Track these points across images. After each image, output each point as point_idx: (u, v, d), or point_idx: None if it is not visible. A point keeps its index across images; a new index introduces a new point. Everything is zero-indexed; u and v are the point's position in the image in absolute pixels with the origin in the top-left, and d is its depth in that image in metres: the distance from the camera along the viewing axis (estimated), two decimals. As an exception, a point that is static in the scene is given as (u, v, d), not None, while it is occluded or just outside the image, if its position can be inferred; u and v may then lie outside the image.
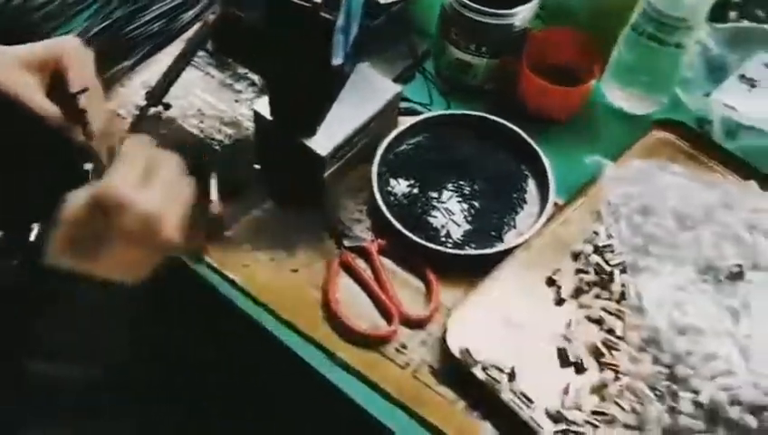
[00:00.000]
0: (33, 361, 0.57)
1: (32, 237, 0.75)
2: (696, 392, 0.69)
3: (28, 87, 0.70)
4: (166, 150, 0.64)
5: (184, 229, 0.61)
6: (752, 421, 0.68)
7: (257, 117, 0.81)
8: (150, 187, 0.60)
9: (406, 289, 0.78)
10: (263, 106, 0.80)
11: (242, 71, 0.93)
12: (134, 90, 0.91)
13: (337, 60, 0.78)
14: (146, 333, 0.81)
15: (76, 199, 0.60)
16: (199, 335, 0.84)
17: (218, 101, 0.90)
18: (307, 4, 0.68)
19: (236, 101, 0.90)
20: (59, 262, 0.59)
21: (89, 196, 0.59)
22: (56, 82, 0.72)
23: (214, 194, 0.80)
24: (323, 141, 0.79)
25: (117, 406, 0.62)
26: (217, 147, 0.86)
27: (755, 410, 0.68)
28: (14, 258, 0.74)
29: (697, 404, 0.69)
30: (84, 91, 0.71)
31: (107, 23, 0.96)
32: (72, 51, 0.72)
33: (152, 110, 0.83)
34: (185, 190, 0.63)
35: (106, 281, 0.59)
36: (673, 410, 0.69)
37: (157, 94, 0.81)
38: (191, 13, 0.97)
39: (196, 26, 0.86)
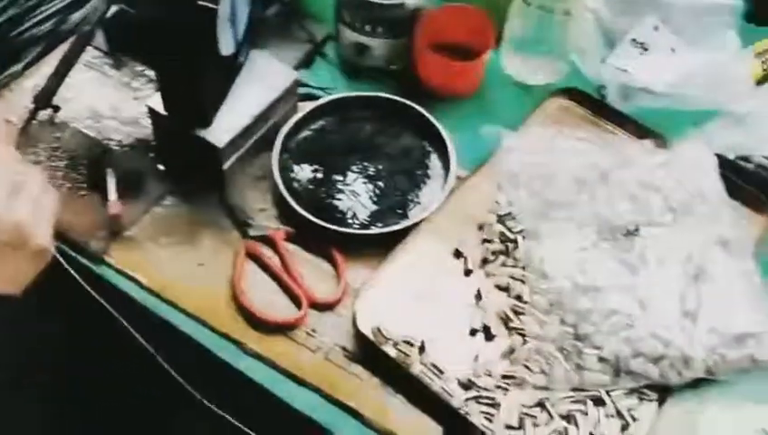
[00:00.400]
0: None
1: None
2: (599, 348, 0.71)
3: None
4: (29, 164, 0.64)
5: (53, 237, 0.62)
6: (653, 370, 0.70)
7: (152, 113, 0.80)
8: (17, 200, 0.59)
9: (315, 274, 0.78)
10: (156, 102, 0.78)
11: (139, 68, 0.91)
12: (25, 94, 0.88)
13: (227, 49, 0.77)
14: (46, 340, 0.80)
15: None
16: (107, 338, 0.82)
17: (116, 101, 0.88)
18: (186, -5, 0.67)
19: (135, 98, 0.89)
20: None
21: None
22: None
23: (112, 194, 0.78)
24: (220, 132, 0.78)
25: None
26: (117, 146, 0.84)
27: (656, 359, 0.70)
28: None
29: (602, 359, 0.71)
30: None
31: (-7, 27, 0.93)
32: None
33: (42, 113, 0.81)
34: (52, 201, 0.63)
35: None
36: (579, 368, 0.71)
37: (44, 97, 0.79)
38: (81, 13, 0.94)
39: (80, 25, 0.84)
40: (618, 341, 0.71)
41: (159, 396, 0.83)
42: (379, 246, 0.78)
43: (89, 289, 0.70)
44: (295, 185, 0.83)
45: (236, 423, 0.70)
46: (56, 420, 0.79)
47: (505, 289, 0.77)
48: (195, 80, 0.75)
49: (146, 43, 0.84)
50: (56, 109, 0.80)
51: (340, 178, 0.84)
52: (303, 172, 0.84)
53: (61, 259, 0.67)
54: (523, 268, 0.77)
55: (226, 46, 0.76)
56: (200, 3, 0.69)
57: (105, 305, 0.68)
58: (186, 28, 0.70)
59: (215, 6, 0.71)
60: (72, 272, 0.71)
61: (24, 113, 0.85)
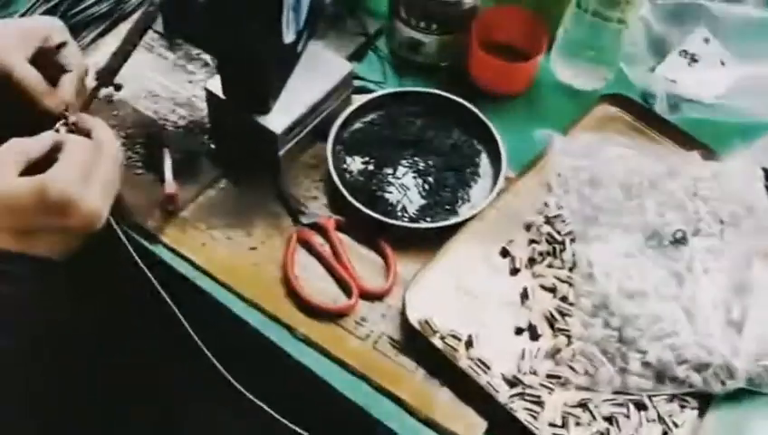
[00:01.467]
0: None
1: None
2: (643, 353, 0.72)
3: (11, 51, 0.71)
4: (108, 142, 0.66)
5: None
6: (697, 378, 0.71)
7: (210, 96, 0.81)
8: (92, 183, 0.62)
9: (364, 263, 0.79)
10: (215, 85, 0.80)
11: (194, 51, 0.93)
12: (83, 72, 0.89)
13: (289, 37, 0.78)
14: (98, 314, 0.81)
15: (21, 188, 0.60)
16: (156, 316, 0.84)
17: (171, 83, 0.89)
18: (256, -20, 0.68)
19: (190, 81, 0.90)
20: None
21: (35, 188, 0.60)
22: (38, 58, 0.73)
23: (168, 174, 0.80)
24: (277, 119, 0.79)
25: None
26: (172, 128, 0.86)
27: (700, 367, 0.71)
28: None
29: (645, 364, 0.72)
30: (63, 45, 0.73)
31: (51, 4, 0.94)
32: (59, 30, 0.75)
33: (103, 91, 0.82)
34: (117, 184, 0.66)
35: (39, 257, 0.61)
36: (623, 371, 0.72)
37: (106, 75, 0.80)
38: (141, -7, 0.96)
39: (144, 6, 0.85)
40: (662, 347, 0.72)
41: (193, 378, 0.85)
42: (427, 240, 0.79)
43: (141, 265, 0.71)
44: (347, 175, 0.84)
45: (269, 410, 0.71)
46: (80, 396, 0.80)
47: (551, 290, 0.78)
48: (257, 67, 0.76)
49: (208, 28, 0.86)
50: (118, 87, 0.82)
51: (391, 171, 0.85)
52: (355, 163, 0.85)
53: (117, 229, 0.68)
54: (570, 270, 0.78)
55: (289, 34, 0.77)
56: (270, -9, 0.70)
57: (154, 283, 0.70)
58: (252, 15, 0.72)
59: (281, -6, 0.72)
60: (129, 247, 0.72)
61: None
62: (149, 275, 0.72)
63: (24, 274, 0.60)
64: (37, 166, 0.62)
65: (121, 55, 0.80)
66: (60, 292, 0.63)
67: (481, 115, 0.87)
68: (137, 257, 0.72)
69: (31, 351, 0.61)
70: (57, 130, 0.68)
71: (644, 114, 0.93)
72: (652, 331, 0.72)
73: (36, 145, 0.64)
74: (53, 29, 0.75)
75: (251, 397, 0.68)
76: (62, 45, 0.74)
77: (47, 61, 0.74)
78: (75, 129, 0.68)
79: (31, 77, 0.71)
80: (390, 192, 0.83)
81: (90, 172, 0.62)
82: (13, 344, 0.59)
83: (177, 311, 0.70)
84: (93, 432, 0.84)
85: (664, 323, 0.72)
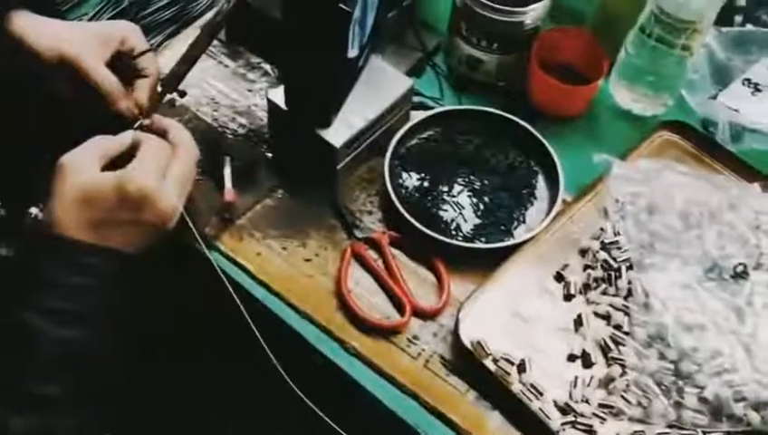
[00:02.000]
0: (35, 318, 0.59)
1: (28, 220, 0.76)
2: (700, 388, 0.71)
3: (91, 55, 0.73)
4: (184, 142, 0.69)
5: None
6: (755, 417, 0.69)
7: (272, 106, 0.82)
8: (167, 181, 0.65)
9: (416, 280, 0.79)
10: (277, 96, 0.80)
11: (255, 60, 0.93)
12: (146, 76, 0.90)
13: (353, 52, 0.78)
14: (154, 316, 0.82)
15: (103, 182, 0.63)
16: (208, 321, 0.85)
17: (232, 91, 0.90)
18: (327, -4, 0.68)
19: (249, 90, 0.91)
20: (70, 233, 0.62)
21: (116, 182, 0.63)
22: (114, 60, 0.75)
23: (228, 182, 0.80)
24: (338, 133, 0.80)
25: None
26: (231, 136, 0.86)
27: (759, 406, 0.70)
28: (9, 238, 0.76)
29: (702, 399, 0.70)
30: (144, 54, 0.76)
31: (119, 9, 0.96)
32: (136, 34, 0.77)
33: (166, 97, 0.83)
34: (191, 183, 0.69)
35: (112, 250, 0.63)
36: (678, 405, 0.71)
37: (172, 81, 0.81)
38: (205, 0, 0.97)
39: (211, 14, 0.86)
40: (720, 383, 0.70)
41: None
42: (481, 260, 0.79)
43: (217, 268, 0.72)
44: (402, 191, 0.84)
45: (330, 422, 0.71)
46: (144, 391, 0.81)
47: (605, 317, 0.77)
48: (321, 80, 0.76)
49: (271, 39, 0.87)
50: (182, 94, 0.82)
51: (446, 189, 0.85)
52: (411, 180, 0.85)
53: (194, 231, 0.70)
54: (625, 298, 0.77)
55: (353, 49, 0.78)
56: (340, 5, 0.71)
57: (227, 286, 0.70)
58: (321, 30, 0.72)
59: (350, 10, 0.72)
60: (207, 253, 0.73)
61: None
62: (220, 273, 0.73)
63: (101, 266, 0.62)
64: (115, 163, 0.65)
65: (187, 62, 0.81)
66: (134, 286, 0.65)
67: (539, 136, 0.87)
68: (211, 258, 0.73)
69: (102, 343, 0.62)
70: (135, 130, 0.70)
71: (704, 143, 0.91)
72: (710, 366, 0.71)
73: (117, 142, 0.67)
74: (132, 34, 0.77)
75: (311, 405, 0.68)
76: (142, 53, 0.76)
77: (123, 64, 0.76)
78: (150, 130, 0.69)
79: (108, 80, 0.74)
80: (445, 210, 0.83)
81: (166, 170, 0.65)
82: (86, 335, 0.61)
83: (247, 317, 0.70)
84: (155, 427, 0.85)
85: (723, 359, 0.71)
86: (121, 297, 0.64)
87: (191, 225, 0.68)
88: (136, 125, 0.71)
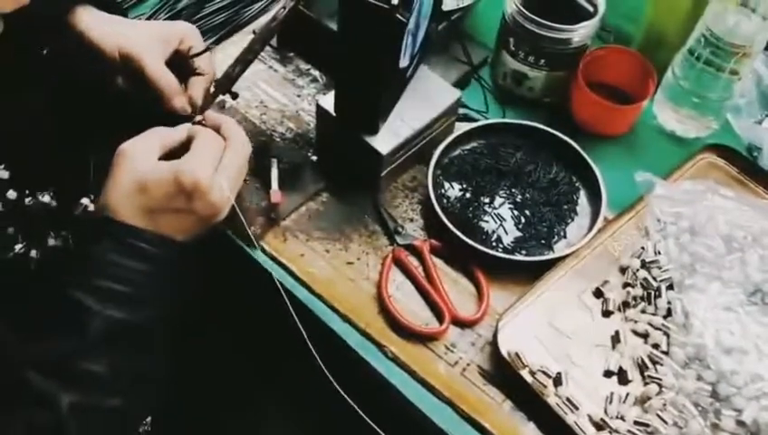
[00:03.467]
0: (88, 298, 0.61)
1: (78, 211, 0.78)
2: (738, 411, 0.70)
3: (152, 53, 0.76)
4: (237, 137, 0.70)
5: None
6: (793, 443, 0.69)
7: (321, 112, 0.83)
8: (220, 174, 0.67)
9: (456, 289, 0.79)
10: (327, 102, 0.82)
11: (304, 66, 0.95)
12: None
13: (404, 62, 0.80)
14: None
15: (161, 171, 0.65)
16: (249, 320, 0.86)
17: (281, 95, 0.92)
18: (384, 6, 0.70)
19: (298, 95, 0.93)
20: (124, 218, 0.64)
21: (172, 172, 0.65)
22: (174, 60, 0.78)
23: (275, 183, 0.82)
24: (384, 140, 0.81)
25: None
26: (278, 139, 0.88)
27: (797, 432, 0.69)
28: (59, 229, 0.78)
29: (740, 423, 0.70)
30: (200, 54, 0.79)
31: (173, 12, 0.98)
32: (194, 35, 0.80)
33: (218, 98, 0.85)
34: (242, 178, 0.71)
35: (165, 237, 0.65)
36: (715, 427, 0.70)
37: (225, 83, 0.83)
38: (257, 5, 0.99)
39: (266, 19, 0.88)
40: (759, 407, 0.70)
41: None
42: (521, 273, 0.80)
43: (274, 277, 0.74)
44: (444, 201, 0.85)
45: (372, 423, 0.72)
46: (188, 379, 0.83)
47: (643, 336, 0.77)
48: (372, 88, 0.78)
49: (323, 46, 0.88)
50: (235, 96, 0.84)
51: (488, 200, 0.85)
52: (453, 190, 0.86)
53: (243, 223, 0.71)
54: (664, 318, 0.77)
55: (404, 59, 0.79)
56: (396, 16, 0.72)
57: (279, 286, 0.72)
58: (374, 38, 0.73)
59: (405, 20, 0.73)
60: (255, 245, 0.74)
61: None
62: (275, 277, 0.75)
63: (153, 252, 0.64)
64: (172, 154, 0.68)
65: (241, 65, 0.83)
66: (184, 275, 0.67)
67: (583, 153, 0.87)
68: (259, 248, 0.76)
69: (150, 326, 0.64)
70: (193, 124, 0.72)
71: (748, 167, 0.91)
72: (749, 389, 0.71)
73: (175, 134, 0.69)
74: (190, 34, 0.79)
75: (354, 406, 0.69)
76: (200, 53, 0.78)
77: (180, 63, 0.78)
78: (204, 126, 0.71)
79: (166, 78, 0.76)
80: (486, 221, 0.84)
81: (219, 163, 0.67)
82: (136, 317, 0.63)
83: (293, 313, 0.71)
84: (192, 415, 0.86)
85: (763, 383, 0.71)
86: (172, 284, 0.66)
87: (241, 217, 0.69)
88: (192, 121, 0.73)
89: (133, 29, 0.78)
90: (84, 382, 0.60)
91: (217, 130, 0.71)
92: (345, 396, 0.66)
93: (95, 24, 0.76)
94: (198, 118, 0.73)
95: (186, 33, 0.79)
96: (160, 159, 0.67)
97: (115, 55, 0.76)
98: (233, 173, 0.68)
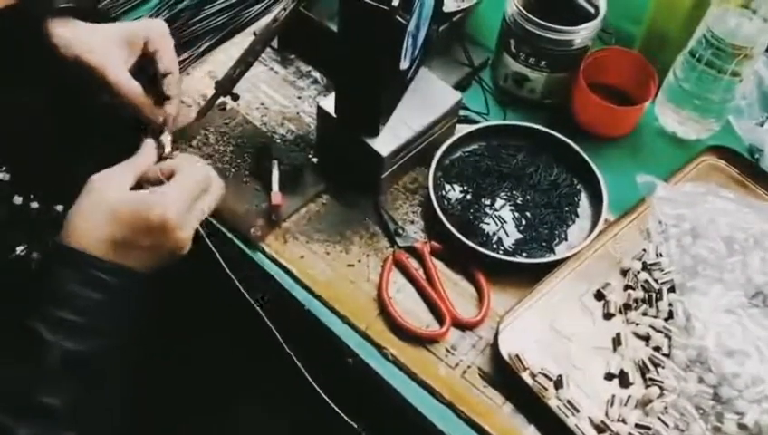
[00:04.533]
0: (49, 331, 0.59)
1: (53, 215, 0.77)
2: (740, 414, 0.70)
3: (115, 62, 0.74)
4: (216, 180, 0.69)
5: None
6: (795, 446, 0.69)
7: (321, 114, 0.83)
8: (191, 215, 0.65)
9: (456, 291, 0.79)
10: (328, 104, 0.82)
11: (305, 68, 0.95)
12: (199, 79, 0.93)
13: (404, 64, 0.80)
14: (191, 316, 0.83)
15: (129, 204, 0.63)
16: (248, 321, 0.86)
17: (281, 97, 0.92)
18: (384, 7, 0.69)
19: (299, 97, 0.92)
20: (87, 247, 0.62)
21: (141, 205, 0.63)
22: (141, 64, 0.75)
23: (275, 184, 0.82)
24: (385, 142, 0.81)
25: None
26: (279, 140, 0.88)
27: (799, 435, 0.69)
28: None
29: (742, 426, 0.70)
30: (168, 75, 0.74)
31: (172, 13, 0.98)
32: (159, 34, 0.77)
33: (219, 99, 0.85)
34: (213, 200, 0.69)
35: (127, 268, 0.63)
36: (716, 430, 0.70)
37: (226, 85, 0.83)
38: (258, 7, 0.99)
39: (266, 21, 0.88)
40: (761, 410, 0.70)
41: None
42: (522, 275, 0.79)
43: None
44: (445, 202, 0.85)
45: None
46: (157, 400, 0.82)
47: (645, 338, 0.76)
48: (373, 90, 0.77)
49: (323, 48, 0.88)
50: (235, 97, 0.84)
51: (489, 202, 0.85)
52: (453, 192, 0.86)
53: (209, 244, 0.70)
54: (665, 320, 0.77)
55: (405, 61, 0.79)
56: (397, 18, 0.72)
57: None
58: (374, 40, 0.73)
59: (405, 22, 0.73)
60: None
61: (197, 97, 0.91)
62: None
63: (114, 283, 0.62)
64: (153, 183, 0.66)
65: (242, 66, 0.83)
66: (146, 302, 0.65)
67: (584, 155, 0.87)
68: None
69: (109, 358, 0.62)
70: (160, 145, 0.70)
71: (750, 169, 0.91)
72: (751, 392, 0.70)
73: (155, 169, 0.67)
74: (156, 34, 0.77)
75: (330, 402, 0.69)
76: (165, 75, 0.77)
77: (148, 69, 0.77)
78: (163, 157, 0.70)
79: (128, 86, 0.74)
80: (487, 223, 0.84)
81: (193, 204, 0.66)
82: (94, 349, 0.61)
83: (268, 321, 0.71)
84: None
85: (764, 386, 0.70)
86: (129, 312, 0.64)
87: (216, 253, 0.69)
88: (161, 156, 0.71)
89: (93, 35, 0.75)
90: (39, 416, 0.58)
91: (171, 174, 0.68)
92: (321, 393, 0.66)
93: (61, 37, 0.74)
94: (167, 138, 0.72)
95: (150, 32, 0.76)
96: (133, 188, 0.65)
97: (82, 67, 0.74)
98: (202, 214, 0.67)
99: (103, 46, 0.74)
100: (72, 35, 0.75)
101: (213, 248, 0.73)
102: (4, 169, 0.74)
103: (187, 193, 0.65)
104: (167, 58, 0.77)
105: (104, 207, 0.63)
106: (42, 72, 0.78)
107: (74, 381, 0.60)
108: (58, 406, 0.58)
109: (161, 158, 0.70)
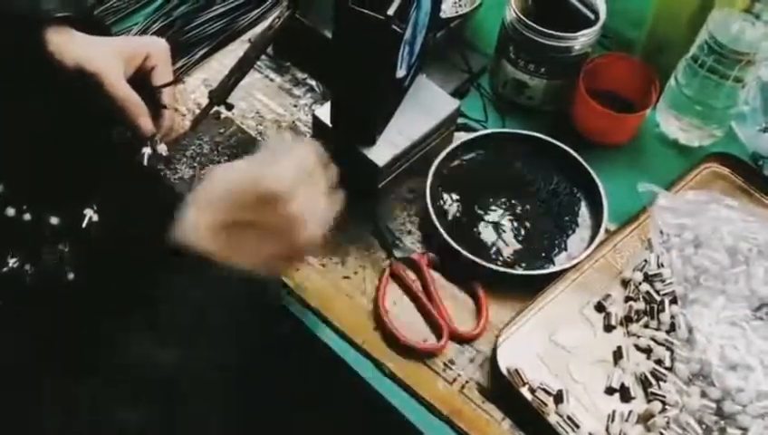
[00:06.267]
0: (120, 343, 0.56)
1: (84, 224, 0.77)
2: (743, 429, 0.69)
3: (114, 71, 0.74)
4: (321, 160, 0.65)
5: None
6: (800, 463, 0.67)
7: (317, 123, 0.82)
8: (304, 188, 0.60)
9: (454, 303, 0.78)
10: (323, 113, 0.80)
11: (300, 76, 0.94)
12: (193, 87, 0.92)
13: (401, 72, 0.78)
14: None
15: (232, 183, 0.59)
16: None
17: (277, 105, 0.91)
18: (380, 16, 0.68)
19: (294, 105, 0.91)
20: (197, 244, 0.57)
21: (251, 181, 0.58)
22: (138, 77, 0.76)
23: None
24: (381, 152, 0.80)
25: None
26: (274, 149, 0.87)
27: (804, 451, 0.68)
28: (65, 244, 0.76)
29: (745, 441, 0.68)
30: (167, 85, 0.75)
31: (168, 20, 0.97)
32: (160, 51, 0.79)
33: (213, 108, 0.84)
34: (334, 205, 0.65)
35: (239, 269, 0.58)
36: (720, 446, 0.69)
37: (220, 94, 0.82)
38: (253, 14, 0.98)
39: (261, 28, 0.87)
40: (765, 425, 0.68)
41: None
42: (521, 286, 0.78)
43: None
44: (443, 213, 0.83)
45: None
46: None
47: (646, 351, 0.75)
48: (368, 99, 0.76)
49: (319, 56, 0.87)
50: (230, 107, 0.83)
51: (487, 212, 0.84)
52: (452, 201, 0.85)
53: None
54: (667, 332, 0.76)
55: (401, 69, 0.78)
56: (392, 26, 0.71)
57: None
58: (369, 49, 0.72)
59: (401, 31, 0.72)
60: None
61: (192, 105, 0.90)
62: None
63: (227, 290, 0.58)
64: None
65: (236, 74, 0.82)
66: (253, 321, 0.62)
67: (584, 163, 0.86)
68: None
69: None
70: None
71: (753, 177, 0.89)
72: (755, 407, 0.69)
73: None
74: (158, 51, 0.78)
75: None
76: (163, 85, 0.77)
77: (143, 83, 0.77)
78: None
79: (128, 95, 0.75)
80: (486, 233, 0.82)
81: (307, 179, 0.62)
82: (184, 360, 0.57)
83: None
84: None
85: (768, 401, 0.69)
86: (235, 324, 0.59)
87: None
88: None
89: (93, 46, 0.76)
90: (120, 430, 0.54)
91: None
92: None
93: (57, 45, 0.74)
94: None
95: (152, 49, 0.78)
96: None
97: (77, 74, 0.74)
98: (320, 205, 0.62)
99: (102, 55, 0.75)
100: (70, 43, 0.75)
101: None
102: (-2, 180, 0.73)
103: (298, 166, 0.61)
104: (164, 72, 0.78)
105: (225, 183, 0.59)
106: (37, 82, 0.78)
107: (159, 397, 0.55)
108: (138, 422, 0.54)
109: None
